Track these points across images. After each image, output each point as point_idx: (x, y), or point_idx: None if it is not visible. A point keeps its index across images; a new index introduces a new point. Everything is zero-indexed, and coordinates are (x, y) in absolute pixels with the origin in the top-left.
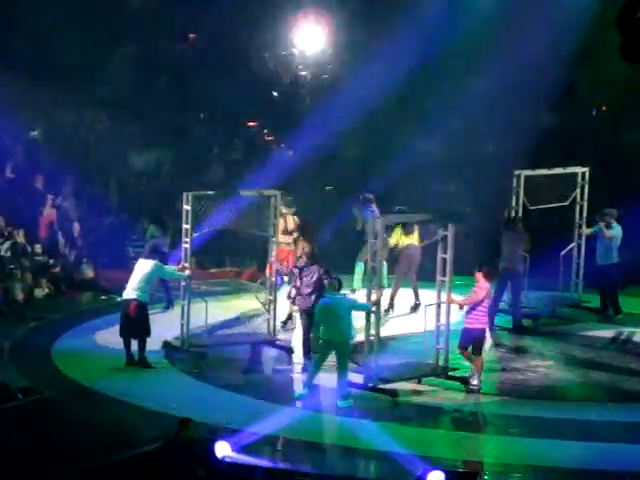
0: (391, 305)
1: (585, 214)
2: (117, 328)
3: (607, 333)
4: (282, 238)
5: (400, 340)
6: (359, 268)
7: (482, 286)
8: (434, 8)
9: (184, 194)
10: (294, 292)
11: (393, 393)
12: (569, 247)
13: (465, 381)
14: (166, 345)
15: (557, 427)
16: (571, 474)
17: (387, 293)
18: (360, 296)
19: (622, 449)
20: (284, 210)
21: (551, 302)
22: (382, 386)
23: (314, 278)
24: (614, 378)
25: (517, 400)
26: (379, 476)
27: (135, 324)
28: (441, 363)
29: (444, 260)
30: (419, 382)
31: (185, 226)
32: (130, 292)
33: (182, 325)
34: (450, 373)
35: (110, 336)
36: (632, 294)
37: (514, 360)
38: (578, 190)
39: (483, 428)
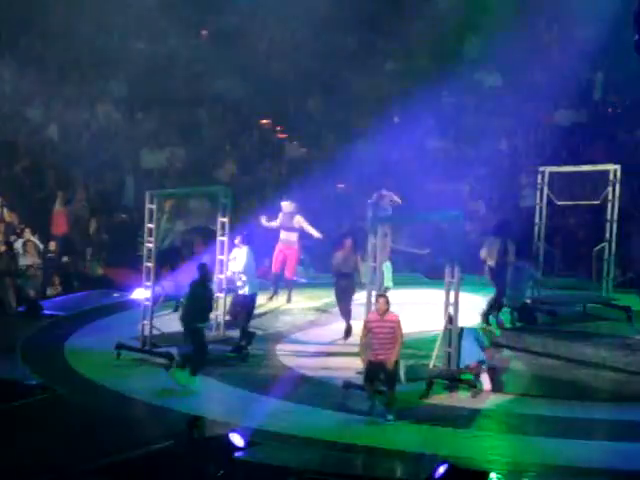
0: None
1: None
2: (129, 325)
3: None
4: (283, 234)
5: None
6: (386, 267)
7: None
8: (448, 3)
9: (147, 193)
10: None
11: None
12: (600, 246)
13: (473, 385)
14: (120, 346)
15: (573, 426)
16: (586, 473)
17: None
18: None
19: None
20: (287, 208)
21: (581, 300)
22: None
23: None
24: (628, 377)
25: (532, 399)
26: (391, 475)
27: None
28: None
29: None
30: (430, 386)
31: (149, 225)
32: None
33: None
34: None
35: (122, 333)
36: None
37: (527, 359)
38: (610, 188)
39: (497, 427)
